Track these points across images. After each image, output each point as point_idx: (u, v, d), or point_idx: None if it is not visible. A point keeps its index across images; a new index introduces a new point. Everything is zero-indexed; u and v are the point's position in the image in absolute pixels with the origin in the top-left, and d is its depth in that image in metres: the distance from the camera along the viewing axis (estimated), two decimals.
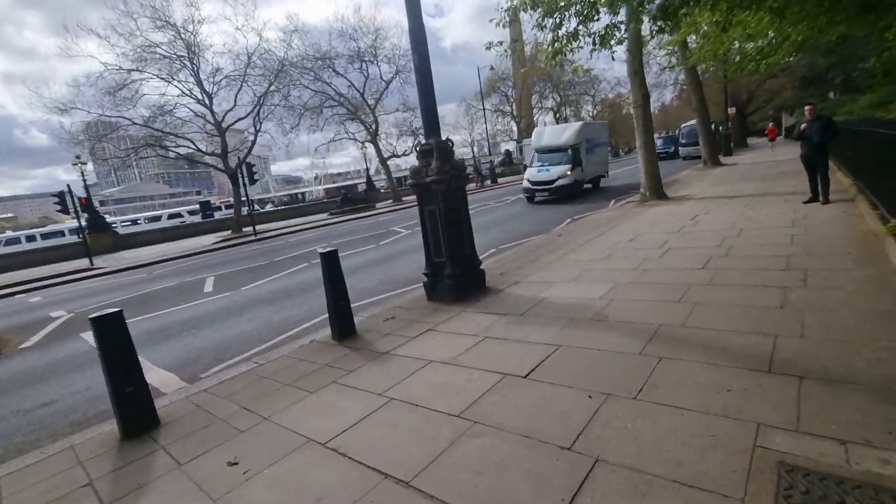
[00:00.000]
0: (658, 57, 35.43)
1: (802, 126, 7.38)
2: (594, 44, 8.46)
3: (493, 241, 9.76)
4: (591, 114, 65.02)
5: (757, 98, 46.08)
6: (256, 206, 46.21)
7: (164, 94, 21.86)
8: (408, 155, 36.07)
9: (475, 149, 48.81)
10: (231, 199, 51.17)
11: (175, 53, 21.83)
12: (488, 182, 41.35)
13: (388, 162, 35.43)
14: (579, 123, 18.34)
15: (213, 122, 23.47)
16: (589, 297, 4.57)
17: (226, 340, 5.59)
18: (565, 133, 17.48)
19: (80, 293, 11.50)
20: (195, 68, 22.19)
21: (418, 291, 5.81)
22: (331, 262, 4.55)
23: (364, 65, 30.02)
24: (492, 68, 42.20)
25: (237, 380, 3.99)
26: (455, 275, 5.30)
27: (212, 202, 50.19)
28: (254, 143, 25.58)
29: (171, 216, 39.07)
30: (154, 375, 4.74)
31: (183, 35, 21.69)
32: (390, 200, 33.74)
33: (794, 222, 6.37)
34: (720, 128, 30.06)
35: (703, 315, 3.61)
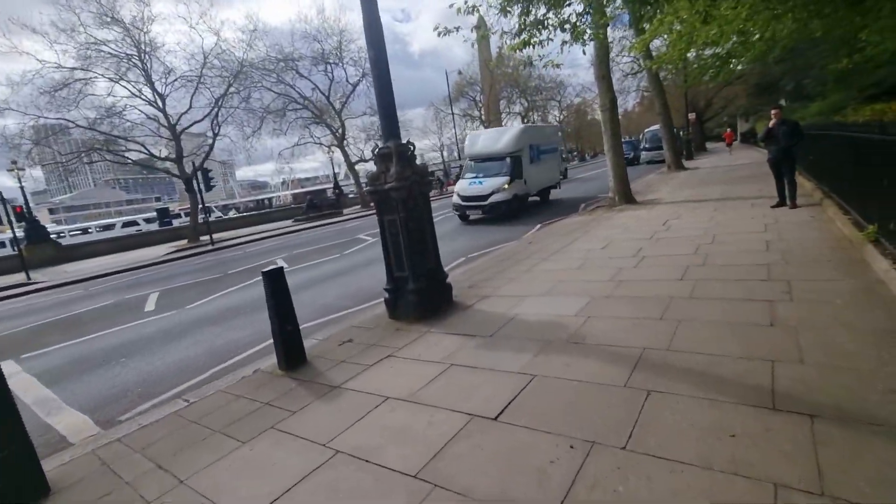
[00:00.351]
0: (621, 63, 36.34)
1: (771, 124, 7.32)
2: (563, 30, 8.14)
3: (462, 250, 9.35)
4: (557, 119, 66.18)
5: (714, 105, 48.05)
6: (219, 213, 44.29)
7: (109, 95, 20.40)
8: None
9: (444, 153, 48.54)
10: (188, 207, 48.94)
11: (124, 52, 20.47)
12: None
13: (357, 167, 34.65)
14: (520, 127, 15.18)
15: (166, 125, 22.12)
16: (564, 314, 4.18)
17: (158, 371, 4.90)
18: (503, 138, 14.33)
19: (2, 314, 10.32)
20: (146, 68, 20.86)
21: (381, 308, 5.30)
22: (275, 283, 3.99)
23: (329, 67, 29.23)
24: (459, 73, 41.97)
25: (160, 425, 3.38)
26: (418, 290, 4.82)
27: (170, 209, 47.72)
28: (211, 147, 24.33)
29: (125, 224, 36.75)
30: (64, 419, 4.04)
31: (132, 33, 20.36)
32: (359, 206, 32.93)
33: (767, 227, 6.24)
34: (681, 133, 30.90)
35: (688, 335, 3.28)
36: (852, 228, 5.04)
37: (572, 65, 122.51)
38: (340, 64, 30.24)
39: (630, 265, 5.56)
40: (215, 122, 23.67)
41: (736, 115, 52.27)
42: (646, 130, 36.88)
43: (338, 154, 33.00)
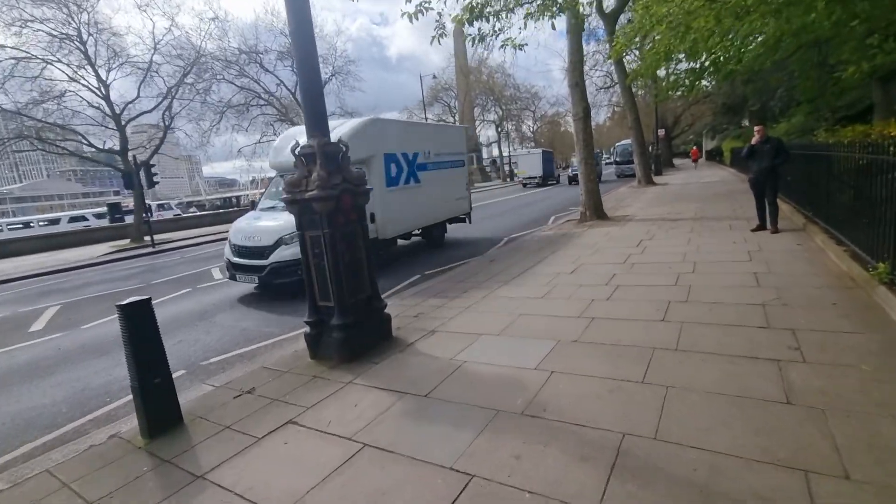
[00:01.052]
0: (594, 77, 36.57)
1: (754, 141, 6.76)
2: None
3: (420, 265, 8.42)
4: (532, 129, 66.53)
5: (681, 123, 49.23)
6: (177, 211, 41.68)
7: (38, 77, 18.43)
8: None
9: None
10: (149, 201, 46.06)
11: (61, 32, 18.57)
12: None
13: None
14: (366, 119, 8.34)
15: (110, 113, 20.24)
16: (522, 366, 3.31)
17: None
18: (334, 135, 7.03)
19: None
20: (86, 51, 19.01)
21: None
22: (136, 321, 2.93)
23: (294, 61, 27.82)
24: (434, 77, 41.27)
25: None
26: (346, 326, 3.86)
27: (122, 204, 44.67)
28: (161, 140, 22.51)
29: (72, 219, 33.81)
30: None
31: (72, 11, 18.50)
32: None
33: (752, 256, 5.60)
34: (651, 148, 31.15)
35: (682, 414, 2.45)
36: (852, 263, 4.41)
37: (546, 77, 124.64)
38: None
39: (602, 296, 4.77)
40: (167, 114, 21.92)
41: (702, 133, 53.94)
42: (616, 144, 37.24)
43: None
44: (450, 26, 7.77)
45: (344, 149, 4.02)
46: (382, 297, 4.41)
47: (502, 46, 7.85)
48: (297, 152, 3.91)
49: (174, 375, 3.23)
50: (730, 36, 11.16)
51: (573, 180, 26.49)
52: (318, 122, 3.87)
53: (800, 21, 8.56)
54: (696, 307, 4.07)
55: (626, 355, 3.26)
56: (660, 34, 10.61)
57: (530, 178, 34.81)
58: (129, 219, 34.67)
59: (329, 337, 3.95)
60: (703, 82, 14.14)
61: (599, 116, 54.56)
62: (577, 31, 9.88)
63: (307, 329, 4.09)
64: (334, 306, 3.89)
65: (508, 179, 55.73)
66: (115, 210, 34.85)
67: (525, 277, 6.06)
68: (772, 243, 6.14)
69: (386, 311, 4.41)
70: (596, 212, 10.51)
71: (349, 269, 3.93)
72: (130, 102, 20.39)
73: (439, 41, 7.51)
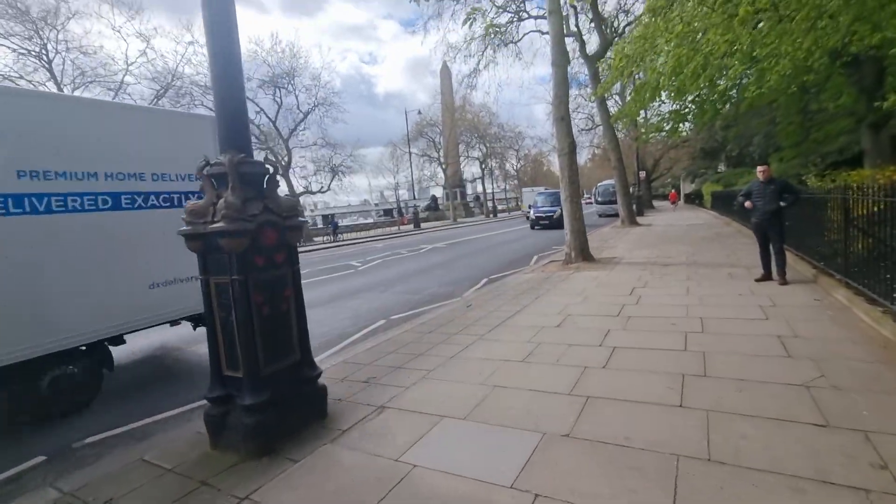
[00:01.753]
0: (576, 119, 37.23)
1: (760, 175, 6.11)
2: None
3: (386, 308, 7.42)
4: (515, 168, 67.44)
5: (660, 166, 50.46)
6: None
7: None
8: (323, 192, 33.34)
9: (398, 192, 47.22)
10: None
11: (24, 48, 17.70)
12: (411, 227, 39.64)
13: (303, 199, 32.37)
14: None
15: None
16: (493, 482, 2.32)
17: None
18: None
19: None
20: (51, 69, 18.12)
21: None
22: None
23: (278, 91, 27.41)
24: (419, 113, 41.49)
25: None
26: (259, 406, 2.83)
27: None
28: None
29: None
30: None
31: (38, 26, 17.73)
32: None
33: (766, 313, 4.81)
34: (632, 189, 31.33)
35: None
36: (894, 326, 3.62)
37: (529, 119, 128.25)
38: (293, 91, 28.59)
39: (597, 362, 3.85)
40: None
41: (679, 176, 55.42)
42: (598, 185, 37.56)
43: (281, 183, 30.58)
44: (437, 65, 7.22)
45: (271, 170, 3.11)
46: (330, 351, 3.42)
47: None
48: (205, 171, 2.98)
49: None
50: (720, 80, 11.00)
51: (536, 224, 23.63)
52: (234, 136, 2.97)
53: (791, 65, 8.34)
54: (719, 386, 3.17)
55: (640, 466, 2.31)
56: (650, 71, 10.35)
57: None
58: None
59: (237, 420, 2.91)
60: (686, 125, 14.01)
61: (581, 158, 55.61)
62: (562, 64, 9.46)
63: (207, 406, 3.03)
64: (243, 380, 2.87)
65: (492, 215, 55.69)
66: None
67: (503, 330, 5.12)
68: (785, 297, 5.37)
69: (322, 379, 3.40)
70: (582, 253, 9.77)
71: (267, 329, 2.94)
72: None
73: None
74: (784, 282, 5.94)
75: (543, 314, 5.67)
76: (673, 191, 56.23)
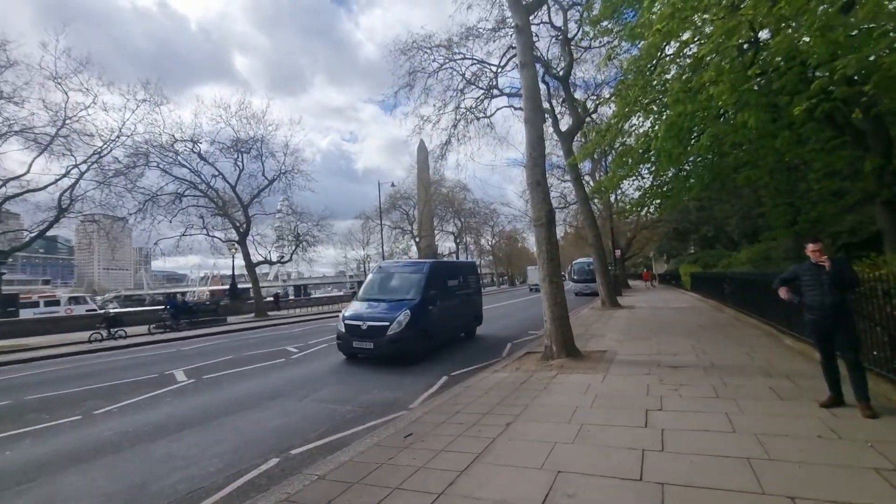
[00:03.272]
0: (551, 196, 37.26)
1: (813, 257, 4.39)
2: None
3: (291, 432, 5.06)
4: (490, 243, 67.22)
5: (633, 246, 50.82)
6: (93, 305, 35.74)
7: None
8: (284, 262, 31.08)
9: (367, 265, 45.21)
10: (53, 294, 39.74)
11: None
12: None
13: (275, 269, 30.01)
14: None
15: None
16: None
17: None
18: None
19: None
20: None
21: None
22: None
23: (241, 156, 26.12)
24: (392, 185, 40.95)
25: None
26: None
27: (20, 295, 38.17)
28: (51, 223, 18.89)
29: None
30: None
31: None
32: (252, 314, 27.41)
33: (885, 476, 2.82)
34: (610, 268, 30.39)
35: None
36: None
37: (503, 196, 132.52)
38: (258, 157, 27.40)
39: None
40: (66, 194, 18.71)
41: (651, 256, 55.98)
42: (574, 262, 36.68)
43: (239, 251, 28.29)
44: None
45: None
46: None
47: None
48: None
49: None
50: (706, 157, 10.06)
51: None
52: None
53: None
54: None
55: None
56: (638, 137, 9.29)
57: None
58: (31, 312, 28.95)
59: None
60: (668, 201, 12.96)
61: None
62: (536, 122, 8.17)
63: None
64: None
65: None
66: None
67: (452, 501, 2.91)
68: (892, 441, 3.42)
69: None
70: (565, 347, 7.76)
71: None
72: (15, 178, 17.16)
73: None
74: (869, 411, 4.01)
75: (519, 469, 3.50)
76: (646, 270, 56.47)
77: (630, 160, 10.45)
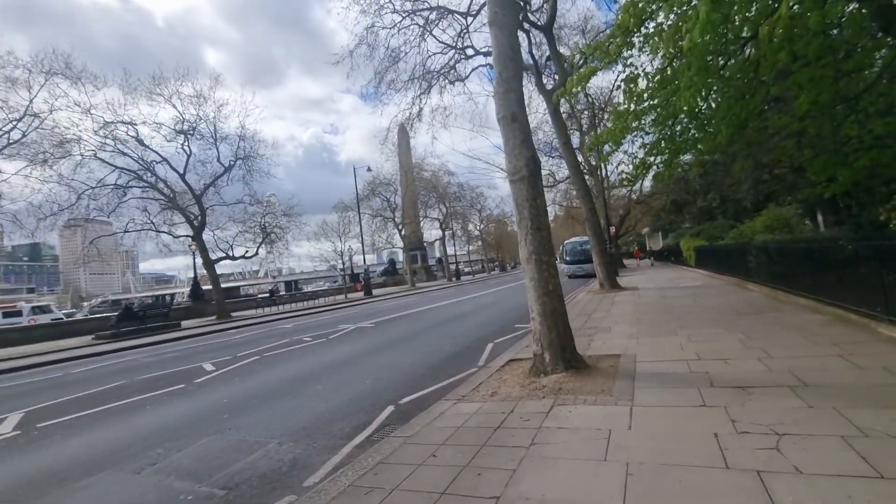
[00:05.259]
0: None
1: None
2: None
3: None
4: (477, 227, 64.69)
5: (626, 223, 48.64)
6: (59, 315, 32.93)
7: None
8: (248, 257, 28.30)
9: (345, 257, 42.42)
10: (14, 304, 36.55)
11: None
12: (362, 294, 34.66)
13: (260, 267, 27.24)
14: None
15: None
16: None
17: None
18: None
19: None
20: None
21: None
22: None
23: (186, 138, 23.12)
24: (368, 169, 38.11)
25: None
26: None
27: None
28: None
29: None
30: None
31: None
32: (213, 317, 24.71)
33: None
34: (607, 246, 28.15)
35: None
36: None
37: (489, 183, 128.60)
38: (215, 144, 24.44)
39: None
40: None
41: (643, 234, 54.00)
42: (565, 242, 34.29)
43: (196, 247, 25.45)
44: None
45: None
46: None
47: None
48: None
49: None
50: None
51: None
52: None
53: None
54: None
55: None
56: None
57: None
58: None
59: None
60: (685, 156, 10.51)
61: None
62: (507, 24, 5.57)
63: None
64: None
65: (455, 279, 51.48)
66: None
67: None
68: None
69: None
70: (563, 354, 5.30)
71: None
72: None
73: None
74: None
75: None
76: (636, 248, 54.59)
77: (634, 103, 8.03)
